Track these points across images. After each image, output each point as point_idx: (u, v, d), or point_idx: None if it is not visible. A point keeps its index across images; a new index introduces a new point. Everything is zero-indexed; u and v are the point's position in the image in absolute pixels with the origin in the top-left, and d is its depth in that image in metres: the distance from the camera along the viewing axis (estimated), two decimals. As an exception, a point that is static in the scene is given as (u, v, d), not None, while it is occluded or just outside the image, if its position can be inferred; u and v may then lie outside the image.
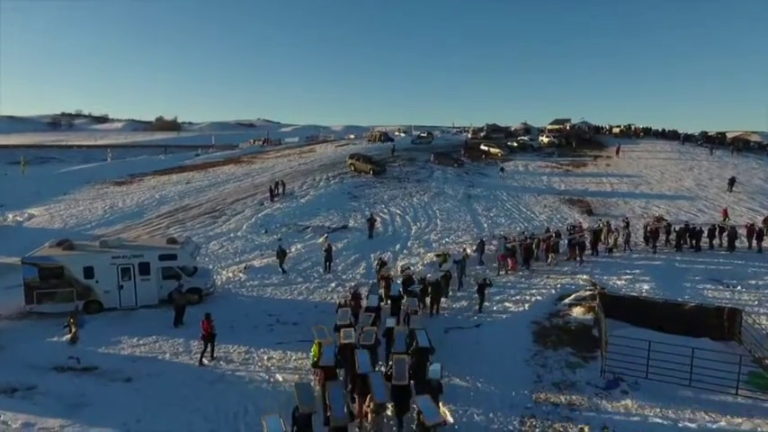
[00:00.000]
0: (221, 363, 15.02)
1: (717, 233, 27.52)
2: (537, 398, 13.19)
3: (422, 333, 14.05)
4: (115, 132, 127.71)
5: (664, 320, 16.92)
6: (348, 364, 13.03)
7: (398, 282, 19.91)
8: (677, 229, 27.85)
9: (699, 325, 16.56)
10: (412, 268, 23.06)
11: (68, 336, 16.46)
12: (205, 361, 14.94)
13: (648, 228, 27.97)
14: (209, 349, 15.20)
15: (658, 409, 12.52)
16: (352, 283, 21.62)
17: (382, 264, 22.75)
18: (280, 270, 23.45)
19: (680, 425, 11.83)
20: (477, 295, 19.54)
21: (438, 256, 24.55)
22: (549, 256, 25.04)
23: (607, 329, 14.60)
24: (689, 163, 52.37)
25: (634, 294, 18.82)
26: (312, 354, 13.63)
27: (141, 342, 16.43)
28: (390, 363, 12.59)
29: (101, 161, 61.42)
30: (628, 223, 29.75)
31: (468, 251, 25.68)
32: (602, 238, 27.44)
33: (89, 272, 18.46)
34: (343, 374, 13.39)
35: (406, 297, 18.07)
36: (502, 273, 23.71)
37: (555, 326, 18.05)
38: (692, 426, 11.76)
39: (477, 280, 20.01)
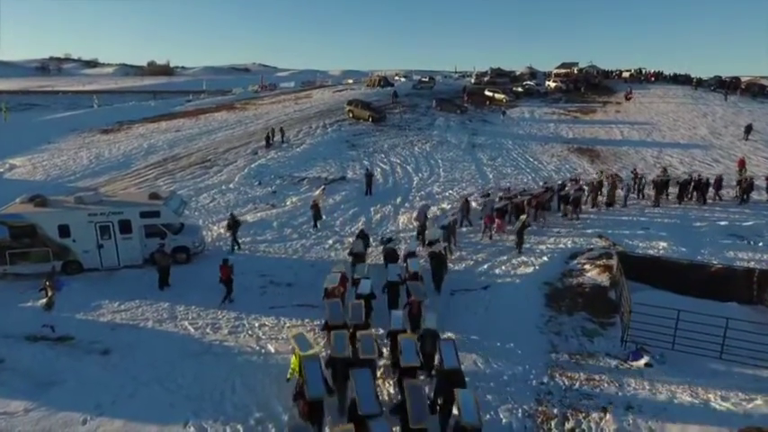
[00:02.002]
0: (208, 331, 13.82)
1: (722, 184, 26.14)
2: (553, 372, 12.05)
3: (448, 347, 10.18)
4: (105, 77, 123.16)
5: (686, 282, 15.68)
6: (342, 391, 10.01)
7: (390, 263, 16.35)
8: (680, 180, 26.22)
9: (725, 288, 15.34)
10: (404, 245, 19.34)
11: (44, 300, 15.20)
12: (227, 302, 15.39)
13: (654, 180, 26.20)
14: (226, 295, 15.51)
15: (686, 385, 11.40)
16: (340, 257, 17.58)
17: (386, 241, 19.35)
18: (229, 246, 19.91)
19: (711, 404, 10.71)
20: (515, 237, 19.66)
21: (417, 220, 21.34)
22: (539, 214, 22.78)
23: (629, 295, 13.28)
24: (702, 109, 50.12)
25: (654, 254, 17.45)
26: (291, 368, 10.52)
27: (122, 307, 15.17)
28: (401, 389, 9.60)
29: (87, 108, 58.69)
30: (636, 174, 28.16)
31: (474, 203, 24.11)
32: (602, 191, 25.68)
33: (64, 230, 16.99)
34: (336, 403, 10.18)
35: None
36: (486, 237, 21.16)
37: (568, 287, 16.82)
38: (726, 405, 10.65)
39: (518, 223, 19.89)
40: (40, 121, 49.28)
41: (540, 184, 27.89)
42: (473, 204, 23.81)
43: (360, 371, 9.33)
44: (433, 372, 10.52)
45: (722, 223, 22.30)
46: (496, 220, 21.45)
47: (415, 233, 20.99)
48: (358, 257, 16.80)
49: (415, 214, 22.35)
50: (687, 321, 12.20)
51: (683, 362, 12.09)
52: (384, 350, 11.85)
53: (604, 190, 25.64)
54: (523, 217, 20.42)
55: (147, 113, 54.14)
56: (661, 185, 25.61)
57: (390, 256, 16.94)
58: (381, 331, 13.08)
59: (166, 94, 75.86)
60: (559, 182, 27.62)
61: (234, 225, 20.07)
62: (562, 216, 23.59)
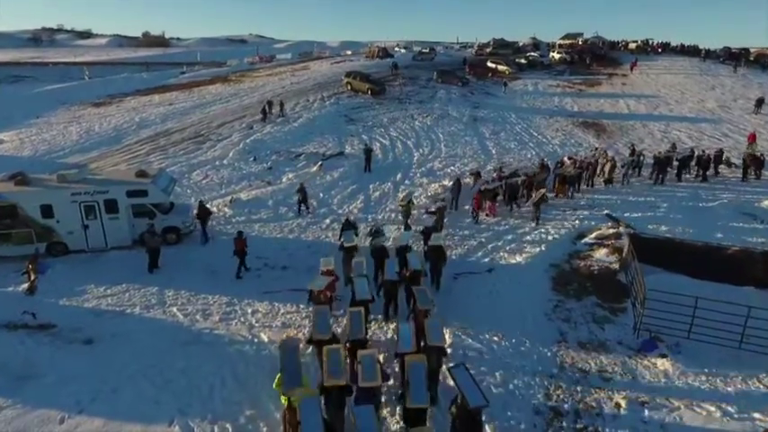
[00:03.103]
0: (198, 318, 13.11)
1: (721, 159, 25.29)
2: (563, 361, 11.40)
3: (469, 387, 8.06)
4: (98, 49, 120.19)
5: (700, 265, 14.93)
6: (337, 424, 8.43)
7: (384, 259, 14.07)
8: (679, 157, 25.05)
9: (741, 271, 14.59)
10: (390, 234, 17.67)
11: (25, 285, 14.47)
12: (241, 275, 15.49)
13: (657, 157, 24.80)
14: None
15: (704, 377, 10.76)
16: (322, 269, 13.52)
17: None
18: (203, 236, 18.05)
19: (733, 398, 10.08)
20: (532, 208, 19.50)
21: (402, 205, 19.37)
22: (532, 194, 20.81)
23: (643, 280, 12.53)
24: (710, 82, 48.82)
25: (667, 236, 16.65)
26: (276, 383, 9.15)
27: (109, 292, 14.44)
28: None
29: (79, 80, 57.02)
30: (633, 151, 26.99)
31: (468, 180, 23.06)
32: (599, 170, 24.51)
33: (47, 210, 16.14)
34: None
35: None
36: (478, 218, 19.73)
37: (576, 270, 16.09)
38: (747, 401, 10.01)
39: (536, 195, 19.58)
40: (29, 95, 47.80)
41: (537, 162, 26.31)
42: (467, 181, 22.75)
43: (362, 409, 7.68)
44: (450, 410, 8.40)
45: (731, 201, 21.44)
46: (487, 203, 20.07)
47: (404, 220, 19.16)
48: (350, 252, 14.60)
49: (401, 195, 21.03)
50: (705, 309, 11.49)
51: (699, 352, 11.43)
52: (389, 375, 9.55)
53: (606, 168, 24.43)
54: (543, 190, 19.93)
55: (139, 86, 52.58)
56: (663, 163, 24.35)
57: (379, 253, 14.53)
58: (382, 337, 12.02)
59: (160, 66, 73.87)
60: (557, 161, 26.32)
61: (203, 214, 17.98)
62: (555, 196, 22.07)
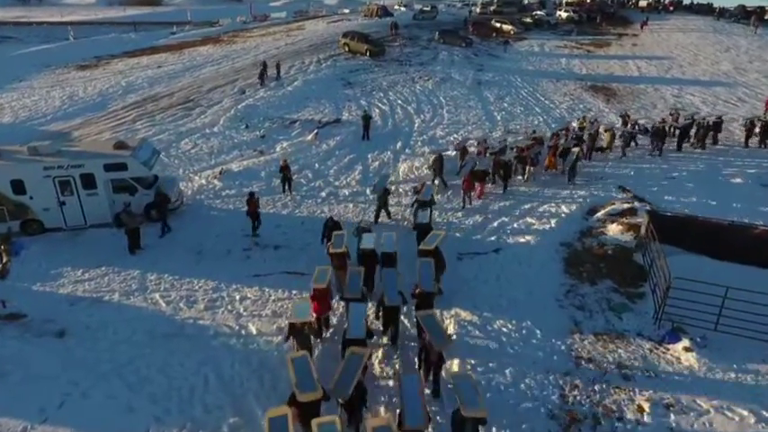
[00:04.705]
0: (182, 306, 12.09)
1: (721, 127, 23.64)
2: (578, 356, 10.45)
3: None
4: (86, 8, 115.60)
5: (724, 245, 13.82)
6: None
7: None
8: (680, 125, 23.33)
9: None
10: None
11: (-4, 268, 13.40)
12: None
13: (656, 126, 23.07)
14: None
15: (733, 374, 9.83)
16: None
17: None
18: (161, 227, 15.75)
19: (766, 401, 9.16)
20: (566, 169, 19.22)
21: (377, 194, 16.63)
22: (527, 170, 19.53)
23: (667, 265, 11.42)
24: (725, 42, 46.63)
25: (689, 213, 15.49)
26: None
27: (86, 276, 13.38)
28: None
29: (64, 41, 54.44)
30: (626, 119, 25.26)
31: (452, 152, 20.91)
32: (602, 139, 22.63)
33: (18, 186, 14.89)
34: None
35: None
36: (466, 204, 17.47)
37: (588, 249, 15.00)
38: (784, 402, 9.10)
39: (570, 156, 19.16)
40: (11, 57, 45.56)
41: (529, 133, 23.89)
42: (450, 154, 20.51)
43: None
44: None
45: (753, 171, 20.20)
46: (477, 185, 17.81)
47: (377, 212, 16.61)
48: (339, 260, 11.94)
49: (370, 188, 18.29)
50: (735, 300, 10.45)
51: (728, 345, 10.45)
52: None
53: (605, 138, 22.63)
54: (576, 149, 19.50)
55: (127, 47, 50.17)
56: (661, 133, 22.47)
57: (368, 259, 11.99)
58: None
59: (149, 26, 70.76)
60: (552, 132, 24.27)
61: (161, 201, 15.74)
62: (546, 170, 20.17)
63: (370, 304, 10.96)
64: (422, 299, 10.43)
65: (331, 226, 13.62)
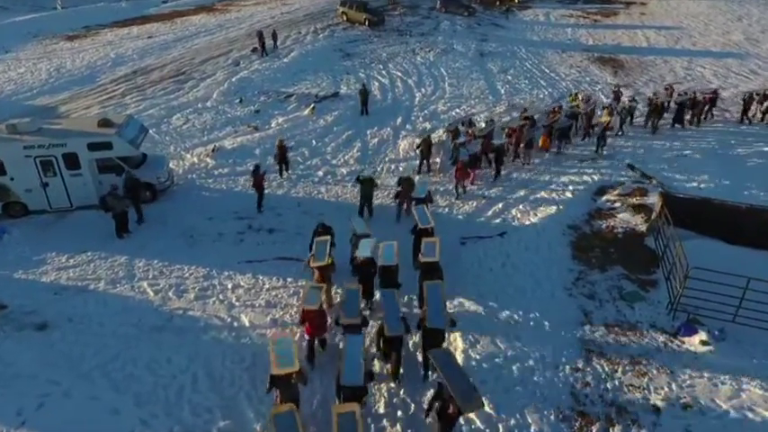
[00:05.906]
0: (171, 295, 11.47)
1: (716, 102, 23.02)
2: (589, 350, 9.90)
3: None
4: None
5: (741, 229, 13.17)
6: None
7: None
8: (677, 100, 22.17)
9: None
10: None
11: (-24, 254, 12.75)
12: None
13: (652, 101, 22.01)
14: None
15: (753, 371, 9.28)
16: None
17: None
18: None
19: (790, 400, 8.64)
20: (596, 139, 19.28)
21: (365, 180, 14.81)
22: (521, 152, 18.44)
23: (684, 253, 10.76)
24: (737, 11, 45.06)
25: (704, 195, 14.76)
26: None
27: (71, 262, 12.72)
28: None
29: (51, 10, 52.58)
30: (618, 95, 24.24)
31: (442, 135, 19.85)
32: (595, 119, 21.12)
33: (-2, 166, 14.14)
34: None
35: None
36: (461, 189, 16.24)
37: (597, 233, 14.37)
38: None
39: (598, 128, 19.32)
40: (-3, 26, 43.98)
41: (520, 112, 21.82)
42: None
43: None
44: None
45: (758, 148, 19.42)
46: (471, 173, 16.60)
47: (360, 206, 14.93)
48: (328, 271, 10.49)
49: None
50: (755, 291, 9.83)
51: (748, 339, 9.93)
52: None
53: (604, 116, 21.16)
54: (605, 118, 19.71)
55: (117, 16, 48.37)
56: (656, 110, 21.42)
57: (363, 272, 10.32)
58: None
59: (141, -6, 68.57)
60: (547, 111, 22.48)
61: (133, 187, 14.44)
62: (544, 150, 19.20)
63: (369, 327, 9.52)
64: (432, 335, 8.72)
65: (321, 233, 11.47)
